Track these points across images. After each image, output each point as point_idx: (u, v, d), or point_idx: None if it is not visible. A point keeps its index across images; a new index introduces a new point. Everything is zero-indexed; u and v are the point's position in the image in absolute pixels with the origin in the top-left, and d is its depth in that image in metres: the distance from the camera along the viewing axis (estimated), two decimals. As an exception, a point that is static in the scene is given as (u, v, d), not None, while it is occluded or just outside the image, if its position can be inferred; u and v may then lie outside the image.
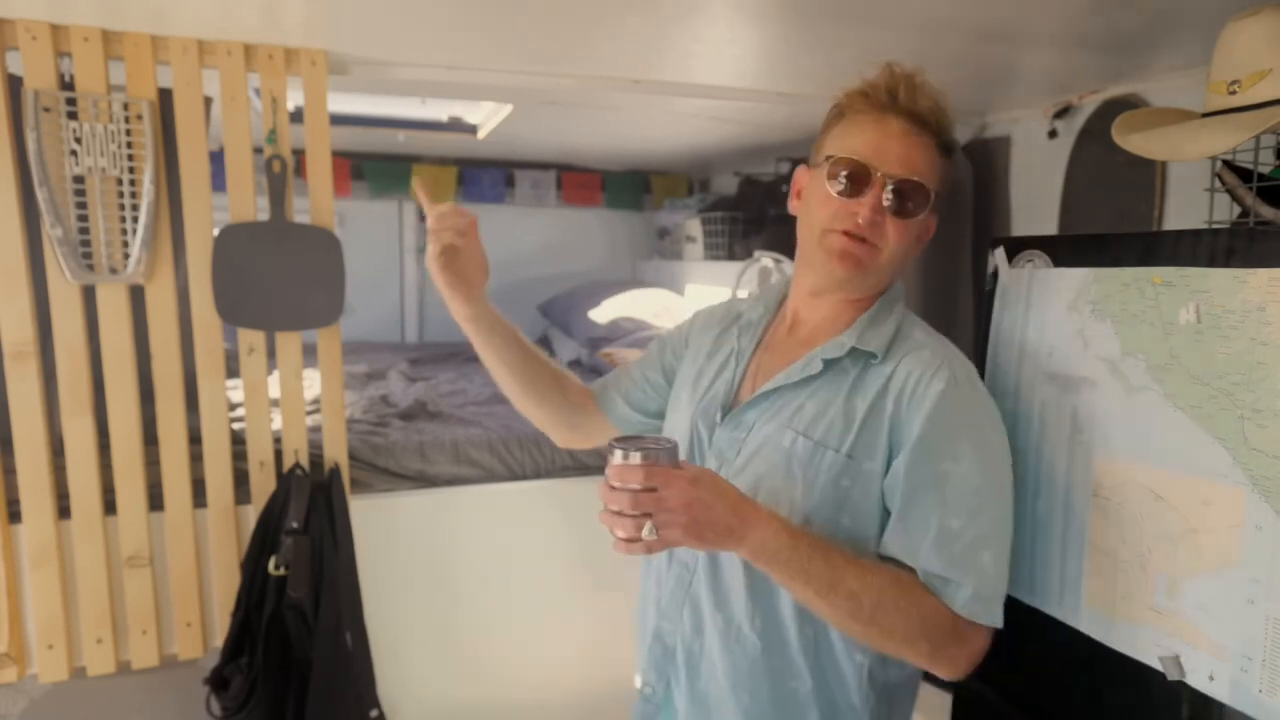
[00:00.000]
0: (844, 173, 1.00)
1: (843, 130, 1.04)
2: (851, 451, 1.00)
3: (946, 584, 0.95)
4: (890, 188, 0.99)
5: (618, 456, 0.89)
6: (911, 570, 0.97)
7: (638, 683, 1.17)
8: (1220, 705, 0.94)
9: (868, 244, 1.01)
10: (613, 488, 0.88)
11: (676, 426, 1.18)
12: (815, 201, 1.04)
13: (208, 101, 1.79)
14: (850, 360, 1.04)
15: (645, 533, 0.87)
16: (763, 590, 1.03)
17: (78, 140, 1.66)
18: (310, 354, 1.89)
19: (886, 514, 1.00)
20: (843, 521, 1.00)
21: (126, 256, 1.72)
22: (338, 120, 2.87)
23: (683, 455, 1.12)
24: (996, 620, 0.98)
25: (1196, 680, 0.97)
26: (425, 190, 1.17)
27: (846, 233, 1.01)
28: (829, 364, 1.04)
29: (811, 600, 0.94)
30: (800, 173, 1.12)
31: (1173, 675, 0.99)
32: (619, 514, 0.88)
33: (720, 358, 1.17)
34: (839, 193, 1.01)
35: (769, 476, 1.03)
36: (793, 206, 1.12)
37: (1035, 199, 2.18)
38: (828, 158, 1.02)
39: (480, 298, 1.21)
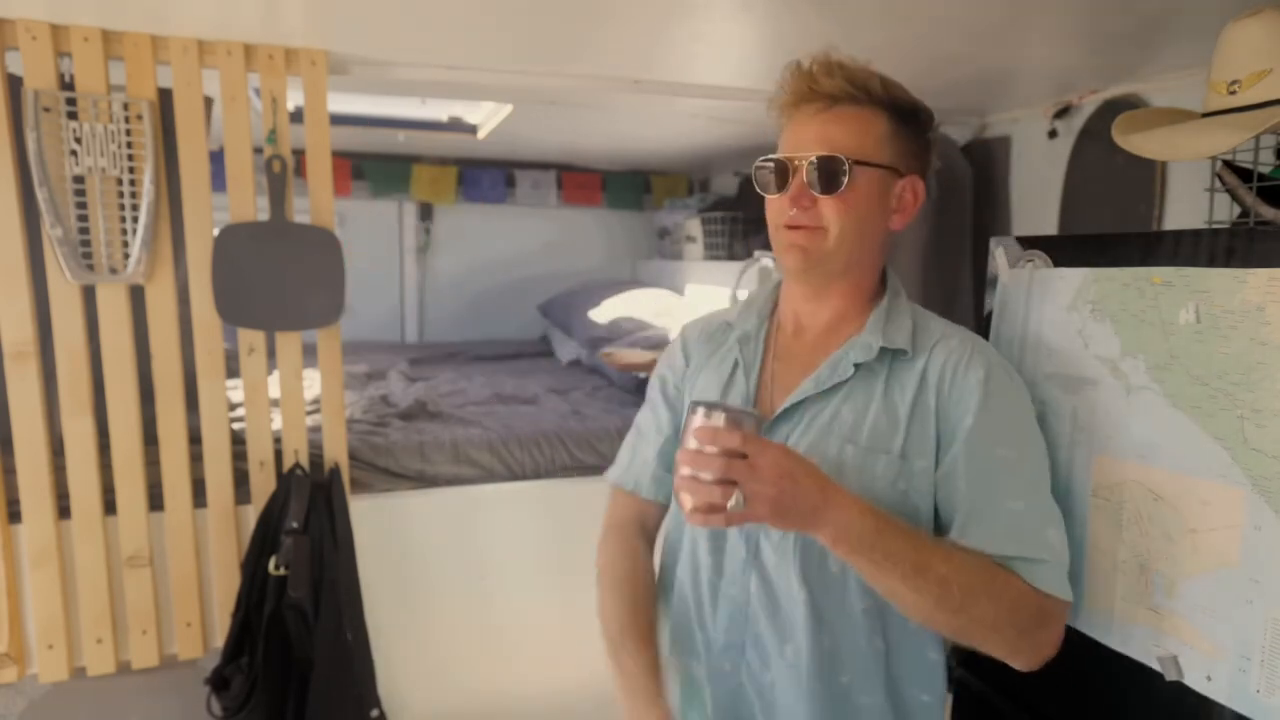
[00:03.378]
0: (768, 173, 1.03)
1: (780, 133, 1.07)
2: (904, 452, 0.98)
3: (1029, 564, 0.93)
4: (808, 168, 1.00)
5: (712, 418, 0.84)
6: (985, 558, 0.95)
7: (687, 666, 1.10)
8: (1218, 705, 0.94)
9: (808, 229, 1.01)
10: (700, 451, 0.83)
11: None
12: (767, 207, 1.06)
13: (208, 101, 1.79)
14: (877, 359, 1.02)
15: (732, 503, 0.82)
16: (828, 613, 1.00)
17: (78, 140, 1.66)
18: (310, 354, 1.90)
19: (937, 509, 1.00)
20: None
21: (126, 256, 1.72)
22: (338, 120, 2.87)
23: None
24: (1070, 593, 0.96)
25: (1194, 680, 0.97)
26: None
27: (788, 226, 1.02)
28: (860, 367, 1.02)
29: (897, 587, 0.89)
30: None
31: (1170, 675, 0.99)
32: (702, 480, 0.83)
33: (723, 372, 1.12)
34: (770, 191, 1.03)
35: None
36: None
37: (1035, 199, 2.18)
38: (760, 161, 1.05)
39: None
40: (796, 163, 1.00)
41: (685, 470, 0.84)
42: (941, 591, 0.88)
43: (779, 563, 1.01)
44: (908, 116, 1.04)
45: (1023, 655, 0.95)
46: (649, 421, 1.20)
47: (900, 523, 0.92)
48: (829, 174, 0.99)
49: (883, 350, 1.01)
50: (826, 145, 0.99)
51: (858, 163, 0.99)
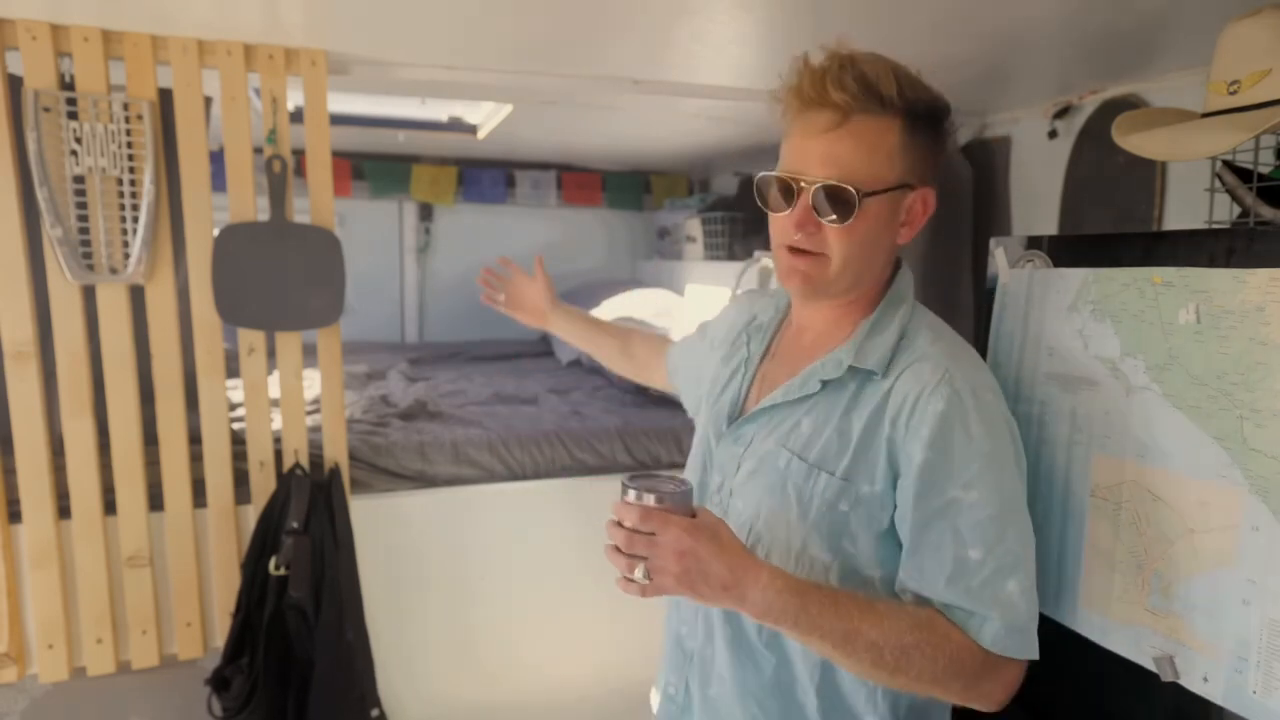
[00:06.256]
0: (773, 189, 0.97)
1: (785, 134, 0.99)
2: (847, 475, 0.95)
3: (970, 617, 0.90)
4: (814, 194, 0.93)
5: (625, 494, 0.88)
6: (930, 605, 0.92)
7: (659, 685, 1.17)
8: (1215, 706, 0.94)
9: (811, 255, 0.96)
10: (616, 524, 0.87)
11: (698, 434, 1.16)
12: (770, 223, 1.01)
13: (208, 101, 1.80)
14: (850, 374, 0.98)
15: (637, 575, 0.86)
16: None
17: (78, 140, 1.66)
18: (310, 354, 1.90)
19: (892, 539, 0.96)
20: (844, 547, 0.96)
21: (126, 256, 1.72)
22: (338, 120, 2.87)
23: (695, 469, 1.13)
24: (1030, 651, 0.93)
25: (1191, 681, 0.97)
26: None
27: (790, 248, 0.97)
28: (827, 383, 0.99)
29: (831, 655, 0.90)
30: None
31: (1167, 676, 0.99)
32: (618, 551, 0.87)
33: (734, 364, 1.14)
34: (774, 209, 0.98)
35: (767, 498, 1.00)
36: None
37: (1035, 199, 2.18)
38: (763, 176, 0.98)
39: (546, 312, 1.61)
40: (803, 185, 0.94)
41: (608, 541, 0.89)
42: (874, 657, 0.87)
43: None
44: (923, 119, 0.96)
45: (975, 703, 0.93)
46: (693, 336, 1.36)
47: (825, 590, 0.90)
48: (838, 204, 0.93)
49: (853, 368, 0.98)
50: (835, 168, 0.92)
51: (869, 193, 0.93)
